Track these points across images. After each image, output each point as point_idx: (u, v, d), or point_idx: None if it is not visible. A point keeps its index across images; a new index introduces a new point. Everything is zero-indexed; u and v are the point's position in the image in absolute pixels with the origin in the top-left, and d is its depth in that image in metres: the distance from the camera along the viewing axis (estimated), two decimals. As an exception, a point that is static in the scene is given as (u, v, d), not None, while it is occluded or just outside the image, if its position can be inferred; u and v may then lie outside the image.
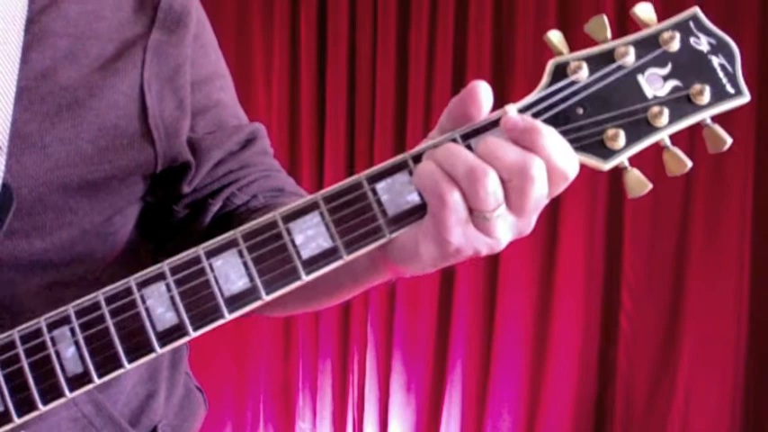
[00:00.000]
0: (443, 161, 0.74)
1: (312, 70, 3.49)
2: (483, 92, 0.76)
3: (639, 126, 0.78)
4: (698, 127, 0.79)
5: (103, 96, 0.93)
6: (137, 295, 0.80)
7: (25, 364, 0.81)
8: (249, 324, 3.45)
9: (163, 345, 0.80)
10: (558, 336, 3.27)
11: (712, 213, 3.14)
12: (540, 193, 0.75)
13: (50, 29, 0.93)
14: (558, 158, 0.75)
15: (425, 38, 3.36)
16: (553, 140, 0.74)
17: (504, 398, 3.31)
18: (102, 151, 0.93)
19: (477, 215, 0.75)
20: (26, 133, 0.89)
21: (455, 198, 0.74)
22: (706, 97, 0.78)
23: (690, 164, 0.78)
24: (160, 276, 0.80)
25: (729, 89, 0.79)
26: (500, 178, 0.74)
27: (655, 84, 0.78)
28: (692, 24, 0.80)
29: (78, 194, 0.93)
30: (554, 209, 3.23)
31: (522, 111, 0.78)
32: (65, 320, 0.80)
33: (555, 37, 0.79)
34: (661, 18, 0.81)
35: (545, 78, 0.79)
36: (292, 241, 0.78)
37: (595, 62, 0.79)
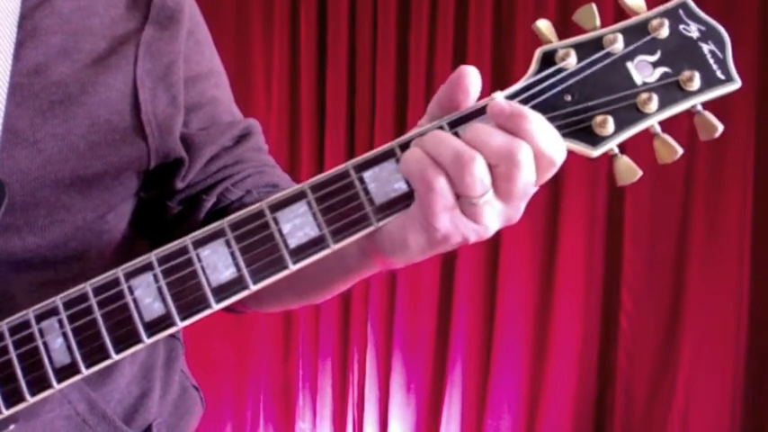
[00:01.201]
0: (430, 147, 0.74)
1: (312, 70, 3.49)
2: (471, 77, 0.76)
3: (628, 112, 0.77)
4: (689, 114, 0.79)
5: (96, 92, 0.93)
6: (124, 286, 0.80)
7: (13, 355, 0.81)
8: (249, 324, 3.45)
9: (150, 335, 0.80)
10: (558, 335, 3.26)
11: (712, 213, 3.13)
12: (527, 179, 0.74)
13: (43, 25, 0.93)
14: (545, 144, 0.74)
15: (425, 38, 3.36)
16: (540, 126, 0.74)
17: (504, 398, 3.31)
18: (95, 147, 0.93)
19: (464, 201, 0.75)
20: (18, 129, 0.89)
21: (441, 183, 0.74)
22: (696, 83, 0.77)
23: (680, 150, 0.77)
24: (148, 267, 0.80)
25: (720, 75, 0.78)
26: (487, 164, 0.73)
27: (644, 70, 0.78)
28: (681, 12, 0.80)
29: (71, 190, 0.93)
30: (554, 208, 3.24)
31: (509, 98, 0.78)
32: (53, 312, 0.81)
33: (543, 25, 0.79)
34: (652, 7, 0.81)
35: (533, 66, 0.78)
36: (279, 230, 0.78)
37: (584, 49, 0.78)
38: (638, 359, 3.22)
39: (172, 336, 1.13)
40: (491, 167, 0.74)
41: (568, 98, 0.78)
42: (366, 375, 3.46)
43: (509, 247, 3.27)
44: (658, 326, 3.21)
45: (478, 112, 0.77)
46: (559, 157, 0.76)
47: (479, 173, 0.73)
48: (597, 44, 0.78)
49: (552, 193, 3.21)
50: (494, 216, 0.76)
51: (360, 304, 3.46)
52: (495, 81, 3.28)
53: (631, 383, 3.23)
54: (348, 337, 3.51)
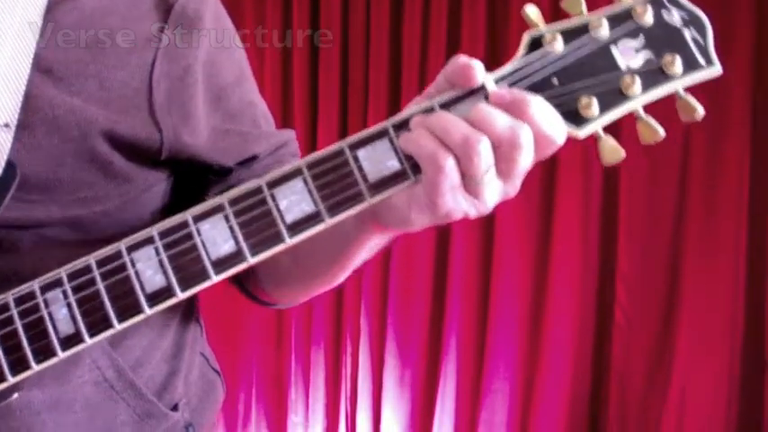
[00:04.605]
0: (438, 129, 0.79)
1: (305, 60, 3.48)
2: (478, 70, 0.81)
3: (613, 95, 0.81)
4: (673, 99, 0.82)
5: (113, 87, 0.97)
6: (126, 259, 0.83)
7: (19, 325, 0.84)
8: (241, 316, 3.45)
9: (152, 306, 0.83)
10: (553, 328, 3.25)
11: (708, 204, 3.11)
12: (526, 160, 0.79)
13: (65, 21, 0.97)
14: (546, 125, 0.79)
15: (419, 28, 3.36)
16: (540, 108, 0.79)
17: (499, 389, 3.30)
18: (111, 132, 0.96)
19: (468, 180, 0.79)
20: (38, 107, 0.93)
21: (450, 164, 0.78)
22: (677, 68, 0.81)
23: (662, 132, 0.81)
24: (149, 240, 0.83)
25: (701, 60, 0.81)
26: (491, 144, 0.78)
27: (627, 55, 0.81)
28: None
29: (92, 168, 0.97)
30: (549, 199, 3.23)
31: (498, 81, 0.81)
32: (57, 283, 0.84)
33: (532, 12, 0.83)
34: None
35: (521, 50, 0.82)
36: (277, 206, 0.81)
37: (570, 34, 0.82)
38: (633, 352, 3.20)
39: (195, 318, 1.18)
40: (493, 148, 0.78)
41: (555, 81, 0.81)
42: (359, 368, 3.46)
43: (503, 239, 3.26)
44: (654, 318, 3.19)
45: (468, 95, 0.81)
46: (560, 137, 0.80)
47: (485, 153, 0.77)
48: (583, 29, 0.82)
49: (547, 184, 3.21)
50: (494, 192, 0.81)
51: (353, 296, 3.46)
52: (488, 67, 3.26)
53: (626, 376, 3.22)
54: (341, 329, 3.51)
